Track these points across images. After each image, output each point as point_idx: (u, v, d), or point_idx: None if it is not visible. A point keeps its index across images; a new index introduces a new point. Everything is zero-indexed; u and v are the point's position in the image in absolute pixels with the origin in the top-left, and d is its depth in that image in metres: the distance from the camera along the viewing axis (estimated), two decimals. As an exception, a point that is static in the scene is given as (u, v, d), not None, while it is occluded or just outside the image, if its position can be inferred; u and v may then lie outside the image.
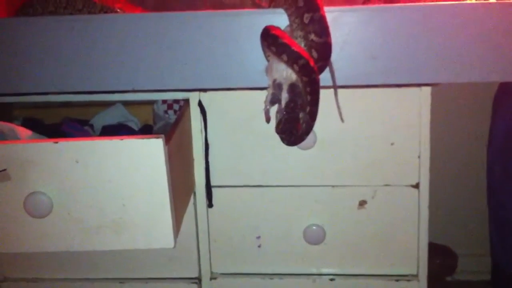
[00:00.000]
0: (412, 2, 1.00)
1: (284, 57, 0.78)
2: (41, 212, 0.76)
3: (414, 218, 0.99)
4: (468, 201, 1.58)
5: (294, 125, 0.81)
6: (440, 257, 1.49)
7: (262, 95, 0.83)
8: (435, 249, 1.47)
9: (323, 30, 0.79)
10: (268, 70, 0.82)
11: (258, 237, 1.03)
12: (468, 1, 0.95)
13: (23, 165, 0.75)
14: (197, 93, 0.98)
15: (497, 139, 1.28)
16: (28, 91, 0.89)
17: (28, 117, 1.14)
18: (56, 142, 0.75)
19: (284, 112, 0.80)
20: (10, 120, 1.08)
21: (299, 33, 0.80)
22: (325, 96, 0.83)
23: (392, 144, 0.97)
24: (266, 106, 0.82)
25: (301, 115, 0.82)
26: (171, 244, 0.78)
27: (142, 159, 0.75)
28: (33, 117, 1.15)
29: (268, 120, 0.83)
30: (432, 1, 0.97)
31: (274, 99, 0.81)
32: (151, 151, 0.75)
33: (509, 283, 1.31)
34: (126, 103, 1.16)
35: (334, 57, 0.83)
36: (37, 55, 0.87)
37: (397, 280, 1.01)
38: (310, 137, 0.94)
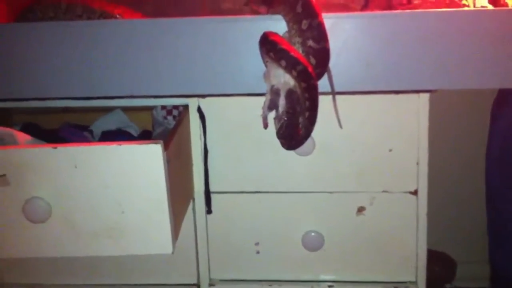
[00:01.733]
0: (410, 9, 1.00)
1: (283, 62, 0.78)
2: (39, 217, 0.76)
3: (412, 225, 0.99)
4: (467, 207, 1.58)
5: (295, 130, 0.82)
6: (439, 264, 1.49)
7: (261, 101, 0.84)
8: (434, 256, 1.47)
9: (321, 36, 0.79)
10: (266, 76, 0.83)
11: (257, 244, 1.03)
12: (465, 9, 0.96)
13: (22, 170, 0.75)
14: (196, 99, 0.98)
15: (495, 147, 1.28)
16: (27, 96, 0.89)
17: (27, 122, 1.14)
18: (55, 147, 0.75)
19: (285, 118, 0.81)
20: (9, 125, 1.08)
21: (298, 39, 0.80)
22: (324, 102, 0.84)
23: (390, 150, 0.97)
24: (264, 112, 0.83)
25: (300, 119, 0.82)
26: (170, 250, 0.78)
27: (141, 165, 0.75)
28: (33, 122, 1.15)
29: (266, 126, 0.84)
30: (430, 8, 0.97)
31: (272, 105, 0.81)
32: (149, 157, 0.75)
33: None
34: (125, 109, 1.16)
35: (331, 63, 0.83)
36: (37, 61, 0.87)
37: (395, 287, 1.01)
38: (308, 143, 0.94)
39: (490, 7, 1.00)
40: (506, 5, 1.03)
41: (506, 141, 1.26)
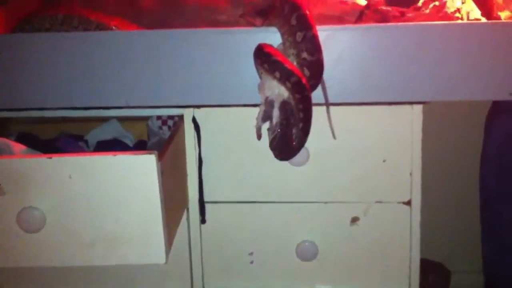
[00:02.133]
0: (403, 21, 1.01)
1: (277, 74, 0.79)
2: (34, 227, 0.76)
3: (406, 235, 1.00)
4: (461, 217, 1.59)
5: (288, 142, 0.82)
6: (433, 274, 1.49)
7: (255, 112, 0.84)
8: (428, 265, 1.47)
9: (315, 48, 0.80)
10: (260, 88, 0.83)
11: (251, 253, 1.03)
12: (459, 21, 0.97)
13: (17, 180, 0.76)
14: (191, 109, 0.98)
15: (490, 158, 1.29)
16: (24, 106, 0.90)
17: (22, 132, 1.14)
18: (50, 158, 0.75)
19: (279, 129, 0.81)
20: (5, 135, 1.08)
21: (292, 51, 0.81)
22: (318, 113, 0.84)
23: (384, 161, 0.98)
24: (258, 123, 0.83)
25: (294, 130, 0.83)
26: (163, 260, 0.78)
27: (135, 175, 0.75)
28: (28, 132, 1.15)
29: (259, 137, 0.84)
30: (424, 21, 0.98)
31: (266, 116, 0.82)
32: (144, 167, 0.75)
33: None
34: (121, 119, 1.17)
35: (326, 75, 0.84)
36: (33, 71, 0.87)
37: (389, 297, 1.02)
38: (303, 154, 0.95)
39: (483, 19, 1.01)
40: (499, 18, 1.03)
41: (501, 151, 1.27)
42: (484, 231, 1.34)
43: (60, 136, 1.14)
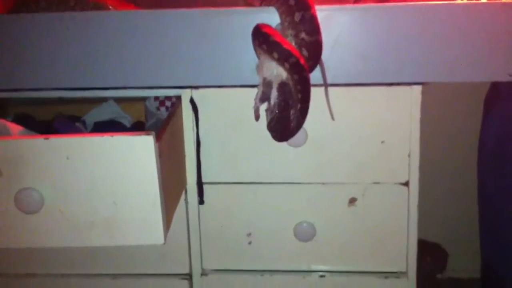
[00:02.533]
0: (403, 1, 1.00)
1: (275, 55, 0.78)
2: (32, 208, 0.77)
3: (403, 216, 1.00)
4: (458, 199, 1.59)
5: (286, 123, 0.82)
6: (431, 255, 1.50)
7: (254, 93, 0.84)
8: (426, 246, 1.48)
9: (314, 29, 0.79)
10: (258, 68, 0.83)
11: (249, 234, 1.03)
12: (459, 1, 0.96)
13: (14, 161, 0.76)
14: (189, 90, 0.98)
15: (488, 140, 1.28)
16: (21, 87, 0.90)
17: (19, 113, 1.14)
18: (47, 138, 0.75)
19: (277, 111, 0.81)
20: (2, 116, 1.08)
21: (290, 31, 0.81)
22: (316, 95, 0.84)
23: (382, 142, 0.97)
24: (256, 103, 0.83)
25: (292, 111, 0.82)
26: (161, 241, 0.79)
27: (133, 156, 0.75)
28: (25, 113, 1.15)
29: (257, 117, 0.84)
30: (424, 1, 0.97)
31: (264, 97, 0.82)
32: (141, 148, 0.75)
33: (499, 281, 1.32)
34: (118, 100, 1.16)
35: (325, 56, 0.83)
36: (30, 52, 0.87)
37: (386, 277, 1.02)
38: (301, 135, 0.95)
39: (483, 0, 1.00)
40: (498, -3, 1.03)
41: (499, 134, 1.26)
42: (480, 217, 1.34)
43: (57, 117, 1.14)
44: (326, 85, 0.86)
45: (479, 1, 0.96)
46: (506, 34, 0.83)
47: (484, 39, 0.83)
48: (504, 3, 0.85)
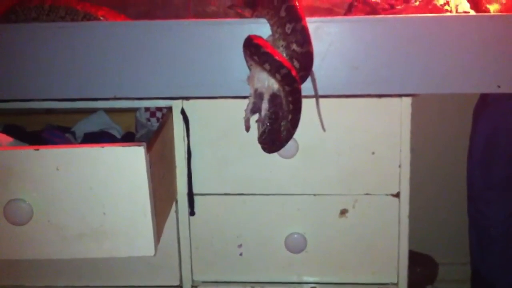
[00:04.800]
0: (393, 14, 1.01)
1: (267, 66, 0.78)
2: (21, 219, 0.76)
3: (394, 227, 1.00)
4: (449, 210, 1.60)
5: (276, 136, 0.82)
6: (421, 266, 1.50)
7: (244, 104, 0.84)
8: (416, 257, 1.48)
9: (304, 40, 0.79)
10: (250, 79, 0.83)
11: (240, 245, 1.03)
12: (448, 14, 0.97)
13: (4, 172, 0.75)
14: (180, 101, 0.98)
15: (477, 150, 1.29)
16: (10, 97, 0.89)
17: (9, 124, 1.13)
18: (37, 149, 0.74)
19: (267, 123, 0.81)
20: (-9, 126, 1.07)
21: (281, 42, 0.81)
22: (307, 106, 0.84)
23: (373, 153, 0.98)
24: (246, 114, 0.83)
25: (283, 123, 0.82)
26: (152, 252, 0.78)
27: (123, 167, 0.75)
28: (15, 124, 1.14)
29: (247, 128, 0.84)
30: (413, 14, 0.98)
31: (255, 108, 0.82)
32: (132, 159, 0.75)
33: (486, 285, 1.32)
34: (108, 111, 1.15)
35: (315, 67, 0.83)
36: (20, 62, 0.86)
37: (377, 289, 1.02)
38: (292, 146, 0.95)
39: (472, 12, 1.01)
40: (488, 10, 1.04)
41: (487, 143, 1.27)
42: (470, 226, 1.35)
43: (46, 128, 1.13)
44: (317, 96, 0.86)
45: (469, 14, 0.97)
46: (495, 46, 0.83)
47: (474, 51, 0.84)
48: (492, 16, 0.86)
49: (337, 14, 1.03)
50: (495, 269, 1.31)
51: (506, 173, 1.26)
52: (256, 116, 0.84)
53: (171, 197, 0.98)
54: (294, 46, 0.79)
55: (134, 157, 0.75)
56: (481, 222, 1.31)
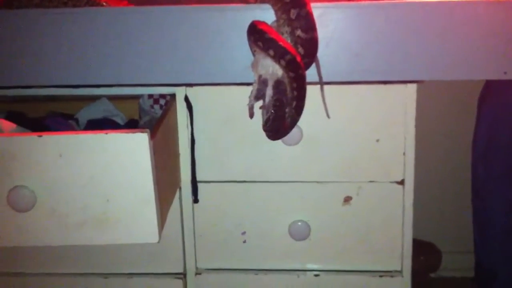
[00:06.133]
0: (398, -1, 1.00)
1: (271, 52, 0.78)
2: (24, 206, 0.76)
3: (398, 215, 1.00)
4: (453, 198, 1.60)
5: (281, 123, 0.82)
6: (424, 254, 1.50)
7: (248, 91, 0.83)
8: (420, 245, 1.48)
9: (309, 26, 0.79)
10: (254, 66, 0.82)
11: (243, 233, 1.03)
12: (454, -1, 0.96)
13: (7, 158, 0.75)
14: (183, 88, 0.97)
15: (481, 138, 1.29)
16: (13, 84, 0.88)
17: (12, 111, 1.13)
18: (40, 136, 0.74)
19: (272, 111, 0.80)
20: (-6, 113, 1.07)
21: (286, 28, 0.80)
22: (311, 93, 0.83)
23: (377, 140, 0.97)
24: (250, 101, 0.82)
25: (287, 109, 0.82)
26: (156, 239, 0.78)
27: (127, 154, 0.75)
28: (18, 111, 1.14)
29: (251, 115, 0.83)
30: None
31: (259, 95, 0.81)
32: (136, 146, 0.74)
33: (492, 280, 1.32)
34: (111, 98, 1.15)
35: (319, 53, 0.83)
36: (22, 48, 0.86)
37: (381, 276, 1.02)
38: (296, 133, 0.94)
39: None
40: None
41: (491, 132, 1.27)
42: (474, 216, 1.35)
43: (49, 115, 1.12)
44: (321, 83, 0.85)
45: (474, -1, 0.96)
46: (502, 32, 0.83)
47: (480, 37, 0.83)
48: (501, 1, 0.85)
49: None
50: (497, 260, 1.31)
51: (508, 164, 1.25)
52: (260, 103, 0.83)
53: (175, 184, 0.98)
54: (298, 32, 0.79)
55: (138, 143, 0.74)
56: (483, 213, 1.31)
